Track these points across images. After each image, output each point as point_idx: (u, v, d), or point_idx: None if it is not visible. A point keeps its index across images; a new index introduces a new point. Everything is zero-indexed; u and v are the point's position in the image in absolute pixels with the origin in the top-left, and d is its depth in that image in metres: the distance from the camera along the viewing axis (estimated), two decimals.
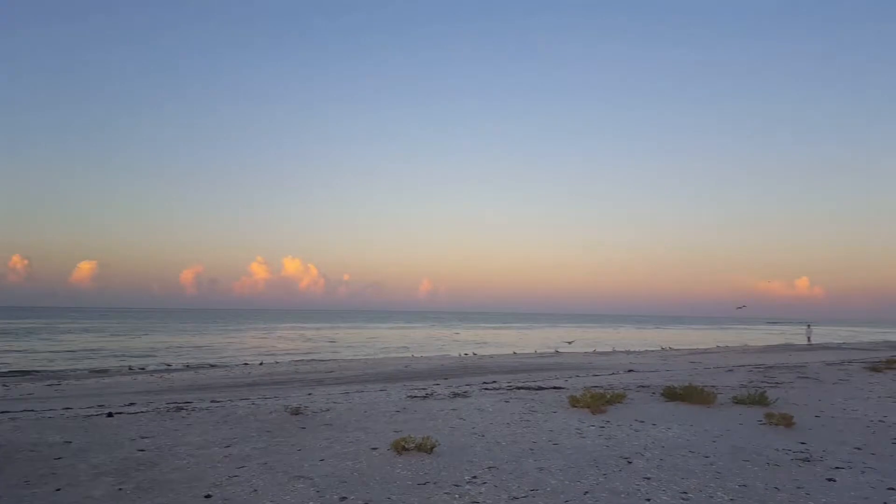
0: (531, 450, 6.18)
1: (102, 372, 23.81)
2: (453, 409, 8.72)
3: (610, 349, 34.89)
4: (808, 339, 43.96)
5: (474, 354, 29.22)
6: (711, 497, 4.63)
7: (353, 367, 23.32)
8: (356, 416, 8.25)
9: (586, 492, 4.75)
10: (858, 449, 6.31)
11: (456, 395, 10.34)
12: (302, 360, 29.84)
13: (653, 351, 33.90)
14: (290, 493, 4.75)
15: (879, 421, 7.99)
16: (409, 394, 10.67)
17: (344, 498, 4.63)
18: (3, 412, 9.80)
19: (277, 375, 19.68)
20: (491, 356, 28.12)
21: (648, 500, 4.56)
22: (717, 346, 40.41)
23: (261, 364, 26.49)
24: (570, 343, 45.05)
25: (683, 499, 4.59)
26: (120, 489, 4.89)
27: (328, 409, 8.83)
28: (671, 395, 9.82)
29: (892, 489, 4.88)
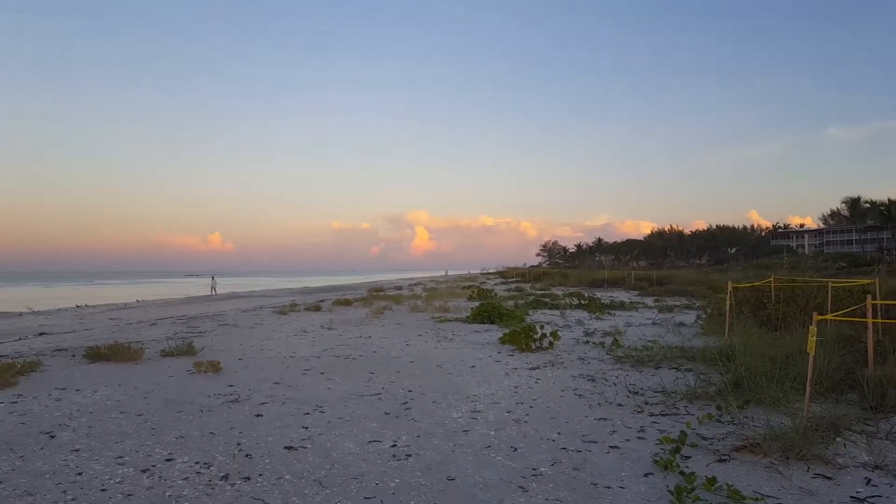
0: None
1: None
2: None
3: (15, 312, 29.77)
4: (213, 290, 47.61)
5: None
6: (149, 456, 4.56)
7: None
8: None
9: None
10: (278, 383, 7.29)
11: None
12: None
13: (67, 310, 30.66)
14: None
15: (290, 356, 9.43)
16: None
17: None
18: None
19: None
20: None
21: (80, 474, 4.17)
22: (137, 301, 39.56)
23: None
24: None
25: (119, 463, 4.39)
26: None
27: None
28: (95, 355, 9.15)
29: (308, 413, 5.86)
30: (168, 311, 24.61)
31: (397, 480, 4.06)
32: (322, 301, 24.51)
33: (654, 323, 14.76)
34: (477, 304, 18.56)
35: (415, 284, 50.36)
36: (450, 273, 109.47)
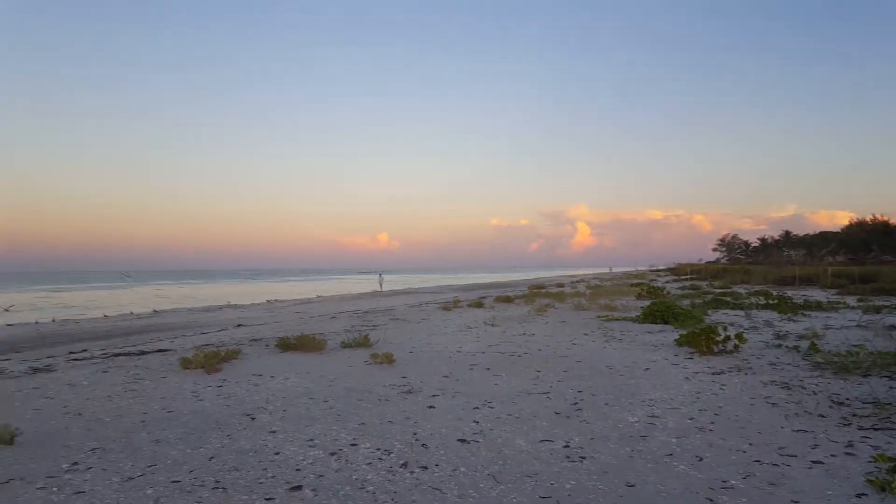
0: (143, 422, 5.54)
1: None
2: (35, 388, 7.21)
3: (217, 306, 33.79)
4: (380, 285, 50.40)
5: (53, 320, 24.81)
6: (336, 440, 4.87)
7: None
8: None
9: (212, 457, 4.48)
10: (446, 377, 7.48)
11: (36, 370, 8.60)
12: None
13: (258, 304, 34.15)
14: None
15: (457, 351, 9.65)
16: None
17: None
18: None
19: None
20: (76, 320, 24.31)
21: (277, 453, 4.54)
22: (318, 296, 42.99)
23: None
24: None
25: (310, 446, 4.72)
26: None
27: None
28: (285, 345, 10.04)
29: (477, 408, 5.93)
30: (344, 306, 26.44)
31: (573, 482, 3.94)
32: (484, 298, 24.86)
33: (858, 325, 13.01)
34: (647, 302, 17.69)
35: (577, 282, 49.34)
36: (614, 270, 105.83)
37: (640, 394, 6.53)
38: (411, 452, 4.54)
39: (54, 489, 3.87)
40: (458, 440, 4.85)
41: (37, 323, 23.17)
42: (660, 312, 13.94)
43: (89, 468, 4.26)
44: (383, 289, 49.17)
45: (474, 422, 5.41)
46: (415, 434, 5.02)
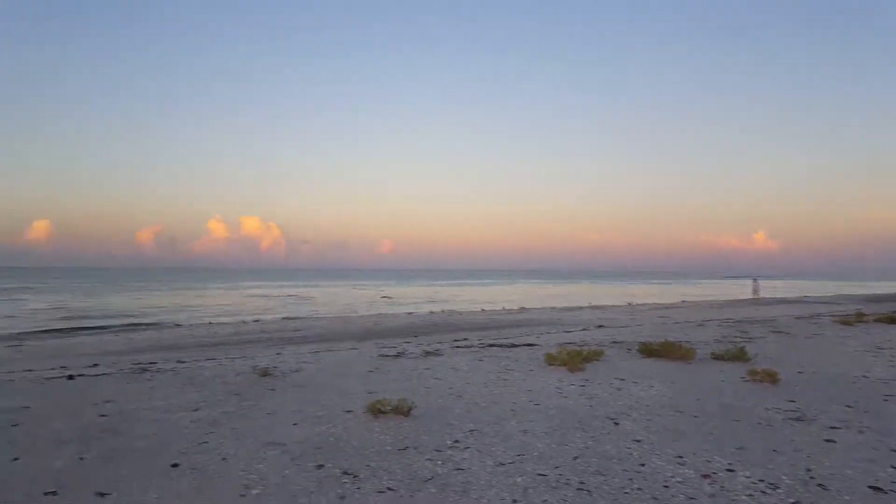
0: (512, 411, 5.88)
1: (66, 332, 22.70)
2: (427, 369, 8.38)
3: (578, 306, 35.01)
4: (755, 292, 45.02)
5: (442, 311, 28.99)
6: (709, 461, 4.36)
7: (321, 326, 22.89)
8: (328, 377, 7.86)
9: (576, 457, 4.45)
10: (850, 407, 6.14)
11: (428, 353, 10.02)
12: (268, 318, 29.20)
13: (618, 306, 34.12)
14: (263, 462, 4.36)
15: (863, 377, 7.88)
16: (380, 352, 10.31)
17: (321, 466, 4.26)
18: None
19: (244, 335, 19.14)
20: (460, 312, 27.91)
21: (643, 465, 4.28)
22: (682, 301, 40.90)
23: (226, 323, 25.78)
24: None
25: (679, 463, 4.32)
26: (82, 458, 4.46)
27: (298, 370, 8.40)
28: (648, 351, 9.66)
29: (895, 450, 4.70)
30: (712, 314, 24.51)
31: None
32: None
33: None
34: None
35: None
36: None
37: None
38: (804, 491, 3.78)
39: (439, 462, 4.31)
40: (870, 486, 3.87)
41: (430, 313, 27.34)
42: None
43: (467, 447, 4.65)
44: (759, 296, 44.21)
45: (892, 467, 4.27)
46: (808, 470, 4.18)
